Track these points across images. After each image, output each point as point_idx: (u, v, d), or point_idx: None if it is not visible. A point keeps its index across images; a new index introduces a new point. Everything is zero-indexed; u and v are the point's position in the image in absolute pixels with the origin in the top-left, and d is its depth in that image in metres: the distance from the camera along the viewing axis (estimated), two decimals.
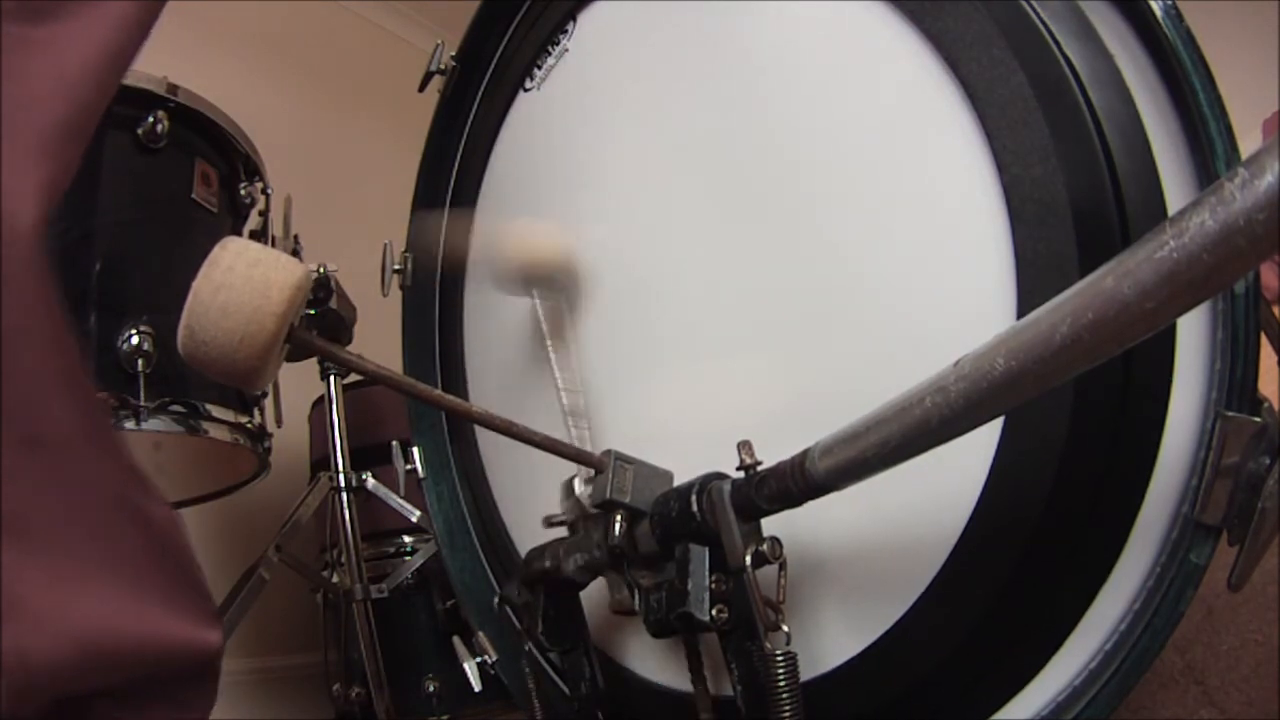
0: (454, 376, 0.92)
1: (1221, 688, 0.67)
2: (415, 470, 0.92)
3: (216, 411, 1.04)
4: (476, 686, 0.81)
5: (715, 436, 0.52)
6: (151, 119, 1.03)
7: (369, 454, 1.33)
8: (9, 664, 0.42)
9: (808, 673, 0.52)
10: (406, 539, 1.42)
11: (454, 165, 0.95)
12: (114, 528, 0.50)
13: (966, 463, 0.46)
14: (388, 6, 2.54)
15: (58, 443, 0.46)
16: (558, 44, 0.80)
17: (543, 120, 0.83)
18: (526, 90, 0.85)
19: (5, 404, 0.43)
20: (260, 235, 1.27)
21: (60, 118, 0.48)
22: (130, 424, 0.94)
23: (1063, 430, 0.43)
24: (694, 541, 0.49)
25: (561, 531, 0.61)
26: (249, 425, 1.10)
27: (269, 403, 1.22)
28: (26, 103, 0.46)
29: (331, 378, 1.29)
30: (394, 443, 0.93)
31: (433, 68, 0.93)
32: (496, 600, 0.64)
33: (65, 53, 0.49)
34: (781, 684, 0.44)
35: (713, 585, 0.48)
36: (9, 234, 0.44)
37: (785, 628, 0.45)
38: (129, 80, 1.01)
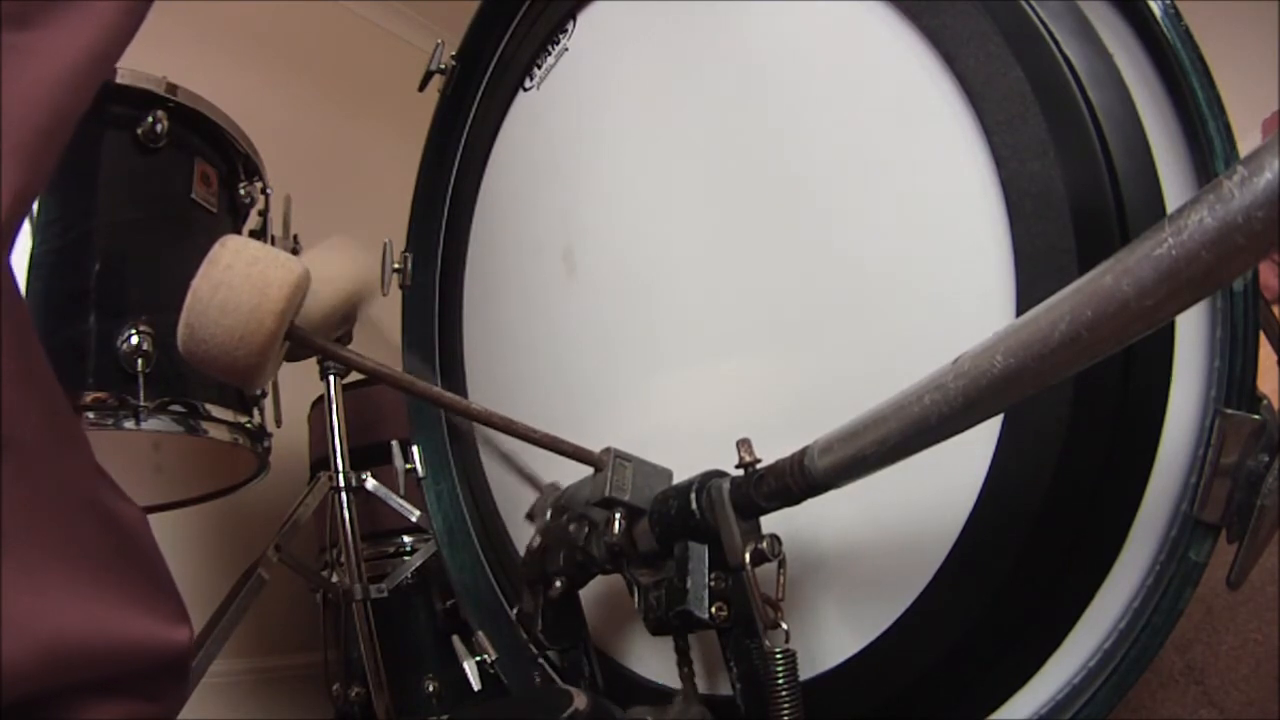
0: (454, 375, 0.92)
1: (1221, 687, 0.67)
2: (415, 469, 0.92)
3: (216, 411, 1.03)
4: (476, 685, 0.81)
5: (714, 434, 0.52)
6: (151, 119, 1.03)
7: (369, 454, 1.33)
8: None
9: (807, 671, 0.52)
10: (406, 539, 1.41)
11: (454, 164, 0.95)
12: (81, 528, 0.49)
13: (966, 460, 0.46)
14: (388, 6, 2.54)
15: (23, 445, 0.46)
16: (557, 43, 0.81)
17: (542, 119, 0.83)
18: (526, 90, 0.85)
19: None
20: (260, 235, 1.27)
21: (39, 125, 0.48)
22: (130, 424, 0.94)
23: (1062, 428, 0.43)
24: (693, 539, 0.49)
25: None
26: (248, 425, 1.10)
27: (268, 402, 1.22)
28: (8, 109, 0.46)
29: (331, 377, 1.29)
30: (394, 442, 0.93)
31: (433, 67, 0.93)
32: (515, 613, 0.64)
33: (48, 59, 0.48)
34: (781, 682, 0.44)
35: (712, 583, 0.48)
36: None
37: (784, 625, 0.45)
38: (128, 80, 1.01)
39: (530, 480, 0.80)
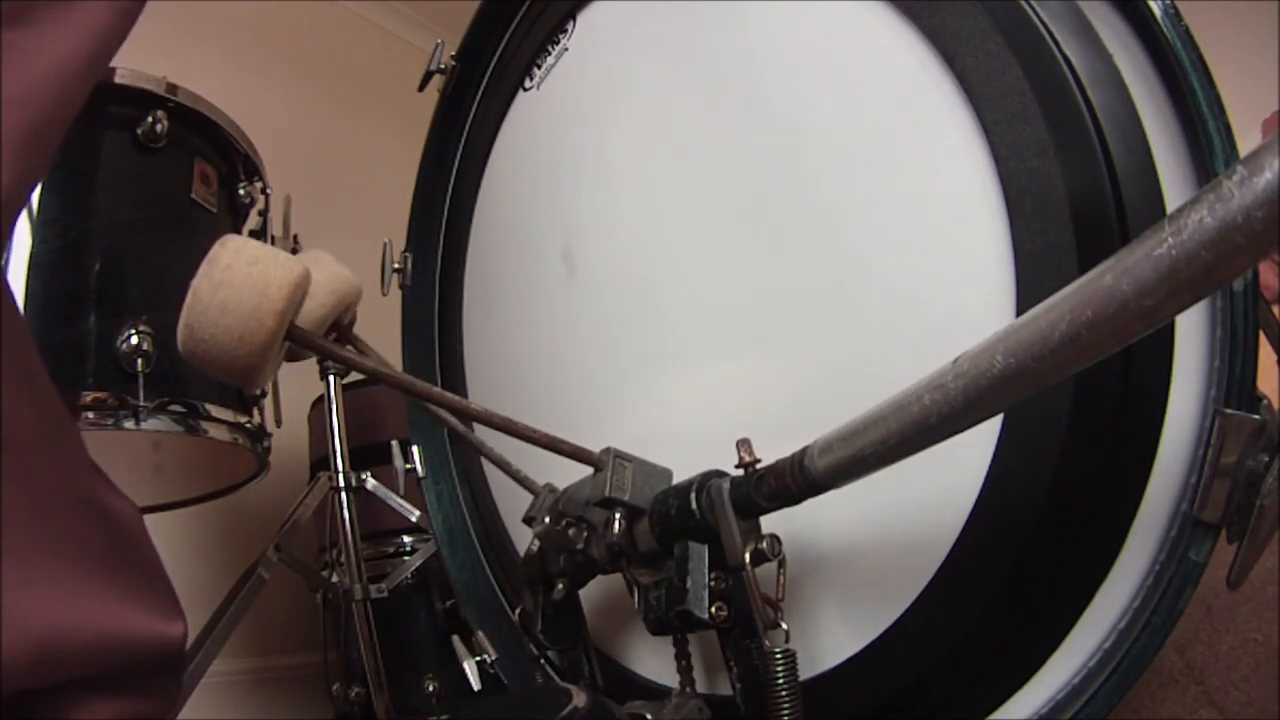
0: (454, 375, 0.92)
1: (1221, 687, 0.67)
2: (415, 469, 0.92)
3: (216, 411, 1.03)
4: (476, 685, 0.81)
5: (714, 434, 0.52)
6: (151, 119, 1.03)
7: (369, 454, 1.33)
8: None
9: (807, 671, 0.52)
10: (406, 539, 1.42)
11: (454, 164, 0.95)
12: (75, 524, 0.50)
13: (966, 460, 0.46)
14: (388, 6, 2.54)
15: (18, 443, 0.46)
16: (557, 43, 0.81)
17: (542, 120, 0.83)
18: (526, 90, 0.85)
19: None
20: (259, 235, 1.27)
21: (30, 122, 0.47)
22: (130, 424, 0.94)
23: (1062, 428, 0.43)
24: (693, 539, 0.49)
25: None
26: (248, 425, 1.10)
27: (268, 402, 1.22)
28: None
29: (331, 377, 1.29)
30: (394, 442, 0.93)
31: (433, 67, 0.93)
32: (518, 614, 0.64)
33: (38, 58, 0.48)
34: (780, 682, 0.44)
35: (712, 583, 0.48)
36: None
37: (784, 625, 0.45)
38: (128, 80, 1.01)
39: (530, 481, 0.80)
